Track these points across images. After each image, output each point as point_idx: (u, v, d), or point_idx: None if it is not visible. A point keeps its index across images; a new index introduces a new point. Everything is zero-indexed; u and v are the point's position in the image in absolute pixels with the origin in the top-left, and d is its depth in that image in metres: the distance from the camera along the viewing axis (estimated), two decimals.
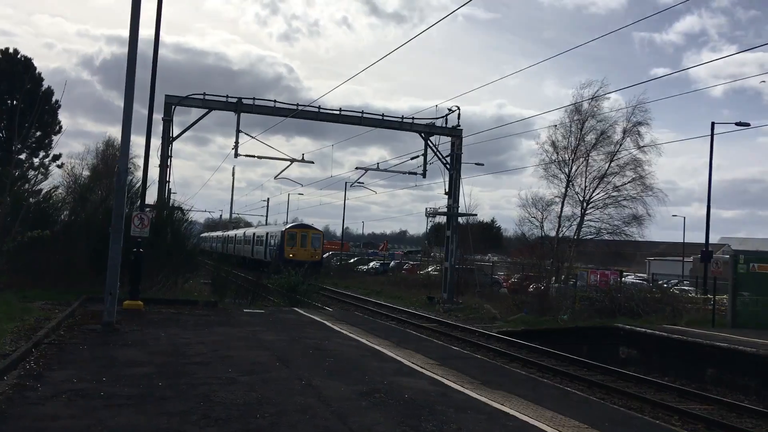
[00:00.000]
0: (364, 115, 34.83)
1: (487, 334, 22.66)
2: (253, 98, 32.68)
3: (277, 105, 33.25)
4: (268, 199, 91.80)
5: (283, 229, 50.58)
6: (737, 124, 32.12)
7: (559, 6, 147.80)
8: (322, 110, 34.05)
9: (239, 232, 70.48)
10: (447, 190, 36.30)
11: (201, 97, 31.68)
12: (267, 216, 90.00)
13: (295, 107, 33.10)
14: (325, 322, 17.34)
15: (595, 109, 40.69)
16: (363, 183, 49.84)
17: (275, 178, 53.80)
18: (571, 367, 17.17)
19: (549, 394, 9.98)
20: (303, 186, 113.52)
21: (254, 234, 61.17)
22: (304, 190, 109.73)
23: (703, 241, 35.22)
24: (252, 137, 33.35)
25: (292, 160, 36.44)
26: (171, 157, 30.39)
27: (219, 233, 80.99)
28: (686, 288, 36.93)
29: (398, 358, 12.06)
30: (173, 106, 30.91)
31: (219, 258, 54.99)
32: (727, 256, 34.20)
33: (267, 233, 54.94)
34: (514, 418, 7.98)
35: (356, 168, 44.91)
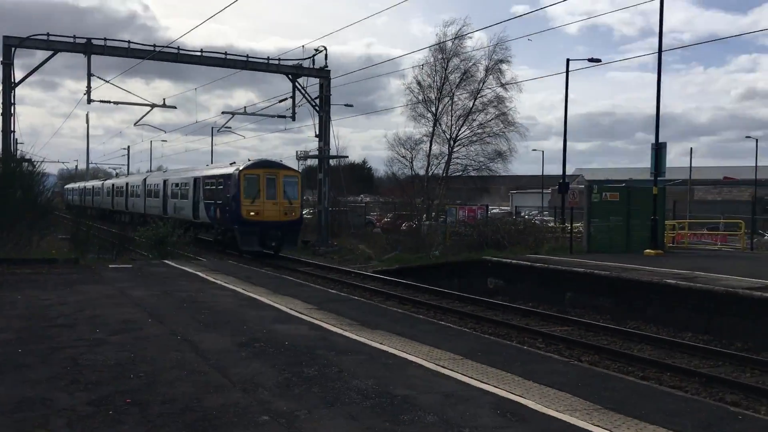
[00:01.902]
0: (228, 57, 33.38)
1: (364, 275, 23.03)
2: (105, 39, 30.32)
3: (132, 46, 31.08)
4: (129, 147, 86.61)
5: (239, 170, 28.23)
6: (590, 60, 33.85)
7: None
8: (182, 51, 32.23)
9: (134, 179, 47.80)
10: (317, 133, 35.90)
11: (45, 37, 28.99)
12: (128, 165, 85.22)
13: (152, 48, 31.11)
14: (198, 273, 16.87)
15: (459, 48, 41.52)
16: (230, 128, 47.95)
17: (135, 124, 44.88)
18: (444, 301, 17.86)
19: (425, 330, 10.32)
20: (166, 132, 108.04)
21: (166, 181, 37.62)
22: (167, 136, 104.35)
23: (560, 172, 37.40)
24: (106, 81, 31.07)
25: (153, 105, 34.42)
26: (14, 104, 28.01)
27: (95, 183, 61.66)
28: (546, 218, 39.29)
29: (276, 305, 11.98)
30: (13, 48, 28.18)
31: (101, 215, 44.45)
32: (582, 186, 36.63)
33: (199, 178, 32.21)
34: (394, 356, 8.19)
35: (222, 112, 43.10)
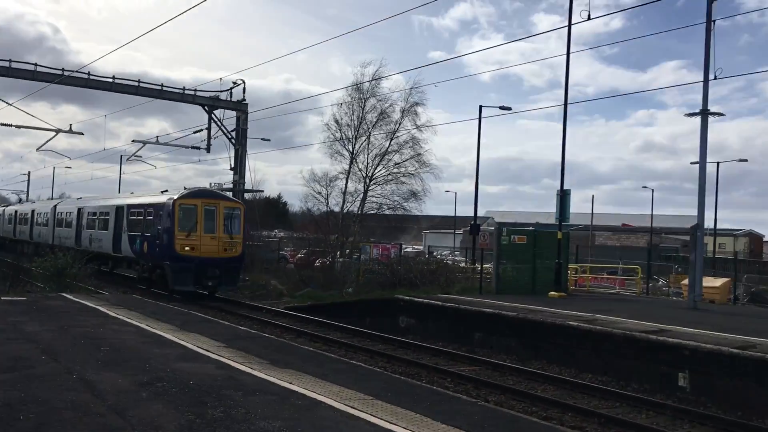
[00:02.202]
0: (141, 85, 32.72)
1: (275, 311, 22.67)
2: (9, 60, 29.11)
3: (39, 69, 29.96)
4: (29, 172, 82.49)
5: (173, 199, 24.76)
6: (501, 107, 35.18)
7: None
8: (93, 77, 31.31)
9: (42, 206, 42.87)
10: (232, 166, 35.49)
11: None
12: (28, 191, 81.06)
13: (60, 72, 30.07)
14: (99, 307, 16.11)
15: (376, 89, 42.28)
16: (141, 157, 46.74)
17: (38, 149, 41.43)
18: (355, 339, 17.79)
19: (336, 369, 10.23)
20: (71, 159, 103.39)
21: (81, 210, 33.77)
22: (72, 163, 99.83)
23: (473, 214, 38.32)
24: (9, 104, 29.75)
25: (58, 131, 33.27)
26: None
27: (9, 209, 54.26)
28: (458, 258, 40.06)
29: (182, 343, 11.58)
30: None
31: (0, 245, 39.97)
32: (492, 228, 37.65)
33: (122, 207, 28.56)
34: (303, 396, 8.06)
35: (133, 141, 41.88)
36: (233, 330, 14.24)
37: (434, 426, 7.10)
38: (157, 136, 37.52)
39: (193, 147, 36.14)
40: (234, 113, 35.23)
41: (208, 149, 35.11)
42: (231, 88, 34.37)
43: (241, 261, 26.12)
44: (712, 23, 18.21)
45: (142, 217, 26.44)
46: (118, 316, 14.62)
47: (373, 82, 41.87)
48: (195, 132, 35.90)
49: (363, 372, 10.43)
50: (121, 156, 55.91)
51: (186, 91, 33.83)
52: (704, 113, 18.81)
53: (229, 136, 34.79)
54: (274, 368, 9.75)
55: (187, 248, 24.02)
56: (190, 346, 11.32)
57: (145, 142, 38.05)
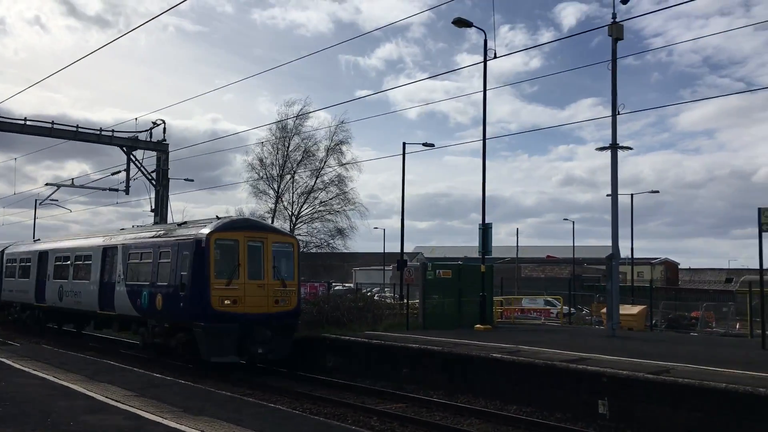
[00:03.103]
0: (56, 126, 31.51)
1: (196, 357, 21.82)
2: None
3: None
4: None
5: (207, 234, 17.89)
6: (424, 144, 35.81)
7: (271, 24, 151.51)
8: (3, 119, 30.02)
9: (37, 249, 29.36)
10: (153, 207, 34.50)
11: None
12: None
13: None
14: (4, 360, 15.16)
15: (300, 127, 42.29)
16: (57, 200, 45.02)
17: None
18: (278, 382, 17.31)
19: (254, 413, 9.89)
20: None
21: (44, 253, 27.41)
22: None
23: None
24: None
25: None
26: None
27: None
28: (386, 294, 40.01)
29: (90, 394, 10.98)
30: None
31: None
32: (418, 263, 37.83)
33: (115, 248, 21.96)
34: None
35: (47, 184, 40.25)
36: (148, 378, 13.62)
37: None
38: (73, 179, 36.24)
39: (111, 189, 35.05)
40: (155, 153, 34.40)
41: (126, 191, 34.05)
42: (151, 128, 33.60)
43: (296, 317, 19.33)
44: (616, 62, 19.11)
45: (151, 260, 19.47)
46: (24, 368, 13.81)
47: (298, 120, 41.88)
48: (113, 174, 34.86)
49: (282, 415, 10.12)
50: (36, 200, 53.66)
51: (103, 132, 32.81)
52: (613, 147, 19.60)
53: (150, 177, 33.87)
54: (187, 416, 9.33)
55: (227, 302, 17.17)
56: (98, 397, 10.74)
57: (59, 185, 36.63)
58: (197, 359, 17.69)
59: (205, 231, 17.78)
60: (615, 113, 19.22)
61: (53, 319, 27.49)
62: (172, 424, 8.75)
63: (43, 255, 27.52)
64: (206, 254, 17.33)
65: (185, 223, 20.67)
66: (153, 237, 20.39)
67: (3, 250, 32.56)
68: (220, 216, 19.63)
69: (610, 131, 19.50)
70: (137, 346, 21.62)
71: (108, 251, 22.38)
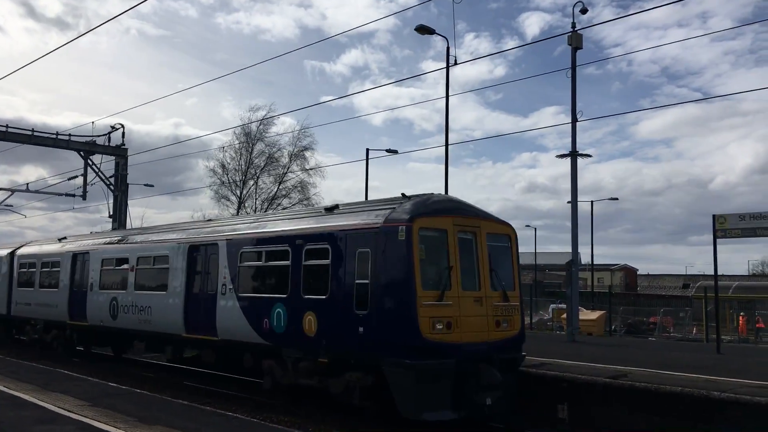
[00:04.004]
0: (10, 129, 30.81)
1: (157, 364, 21.37)
2: None
3: None
4: None
5: (407, 219, 11.54)
6: (387, 150, 35.87)
7: (236, 29, 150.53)
8: None
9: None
10: (111, 213, 33.88)
11: None
12: None
13: None
14: None
15: (264, 133, 42.03)
16: (12, 206, 43.90)
17: None
18: (236, 389, 17.01)
19: (211, 422, 9.71)
20: None
21: (80, 256, 21.47)
22: None
23: None
24: None
25: None
26: None
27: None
28: None
29: (42, 404, 10.65)
30: None
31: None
32: None
33: (224, 244, 15.48)
34: None
35: (0, 189, 39.23)
36: (102, 387, 13.28)
37: None
38: (27, 184, 35.37)
39: (67, 194, 34.35)
40: (113, 158, 33.82)
41: (84, 196, 33.45)
42: (110, 133, 33.08)
43: (521, 346, 13.26)
44: (575, 70, 19.43)
45: (290, 262, 13.50)
46: None
47: (262, 126, 41.57)
48: (70, 179, 34.15)
49: (239, 424, 9.94)
50: None
51: (60, 136, 32.16)
52: (573, 155, 19.88)
53: (107, 182, 33.30)
54: (142, 426, 9.11)
55: (439, 325, 11.34)
56: (50, 407, 10.42)
57: (13, 190, 35.75)
58: (388, 414, 11.74)
59: (403, 215, 11.77)
60: (575, 120, 19.51)
61: (90, 341, 21.96)
62: None
63: (79, 258, 21.33)
64: (408, 251, 11.34)
65: (335, 207, 14.06)
66: (289, 227, 14.03)
67: (13, 252, 26.26)
68: (406, 195, 12.89)
69: (571, 139, 19.79)
70: (252, 387, 15.70)
71: (200, 250, 16.22)
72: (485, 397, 11.54)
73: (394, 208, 12.25)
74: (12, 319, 25.47)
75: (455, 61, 21.34)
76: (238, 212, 41.48)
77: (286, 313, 13.26)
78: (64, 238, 24.69)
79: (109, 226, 34.31)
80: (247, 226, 15.66)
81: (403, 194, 12.98)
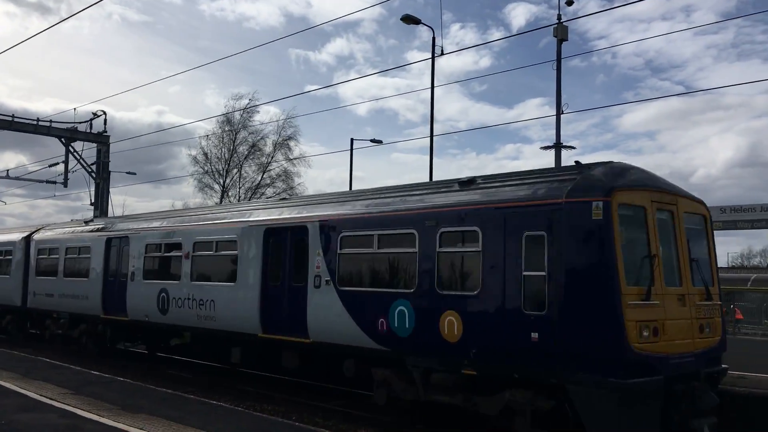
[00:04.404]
0: None
1: (140, 353, 21.23)
2: None
3: None
4: None
5: (601, 193, 8.93)
6: (372, 140, 35.80)
7: (220, 16, 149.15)
8: None
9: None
10: (93, 201, 33.57)
11: None
12: None
13: None
14: None
15: (247, 121, 41.82)
16: None
17: None
18: (219, 379, 16.97)
19: (194, 410, 9.72)
20: None
21: (135, 238, 17.88)
22: None
23: None
24: None
25: None
26: None
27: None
28: None
29: (23, 392, 10.60)
30: None
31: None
32: None
33: (326, 223, 12.66)
34: None
35: None
36: (84, 376, 13.22)
37: None
38: (7, 170, 34.96)
39: (48, 181, 33.99)
40: (95, 145, 33.47)
41: (65, 183, 33.08)
42: (91, 119, 32.70)
43: (722, 354, 10.55)
44: (560, 62, 19.55)
45: (416, 248, 11.02)
46: None
47: (245, 114, 41.34)
48: (51, 165, 33.78)
49: (223, 412, 9.96)
50: None
51: (40, 122, 31.74)
52: (557, 146, 20.02)
53: (89, 170, 32.96)
54: (125, 414, 9.10)
55: (646, 333, 8.95)
56: (32, 395, 10.37)
57: None
58: None
59: (595, 187, 9.25)
60: (559, 112, 19.65)
61: (127, 338, 19.78)
62: (110, 422, 8.52)
63: (115, 242, 18.58)
64: (607, 234, 8.90)
65: (473, 180, 11.40)
66: (413, 206, 11.46)
67: (29, 236, 23.20)
68: (583, 163, 10.50)
69: (555, 131, 19.92)
70: (360, 401, 13.19)
71: (280, 234, 13.65)
72: (703, 424, 9.11)
73: (574, 178, 9.55)
74: (27, 311, 22.67)
75: (441, 51, 21.36)
76: (221, 201, 41.31)
77: (412, 313, 10.80)
78: (91, 220, 22.48)
79: (91, 213, 34.01)
80: (345, 206, 12.82)
81: (577, 162, 10.64)
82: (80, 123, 32.58)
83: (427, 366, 10.56)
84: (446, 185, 11.82)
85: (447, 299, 10.29)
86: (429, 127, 23.70)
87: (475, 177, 11.48)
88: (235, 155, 41.70)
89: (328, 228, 12.50)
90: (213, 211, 17.15)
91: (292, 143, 42.47)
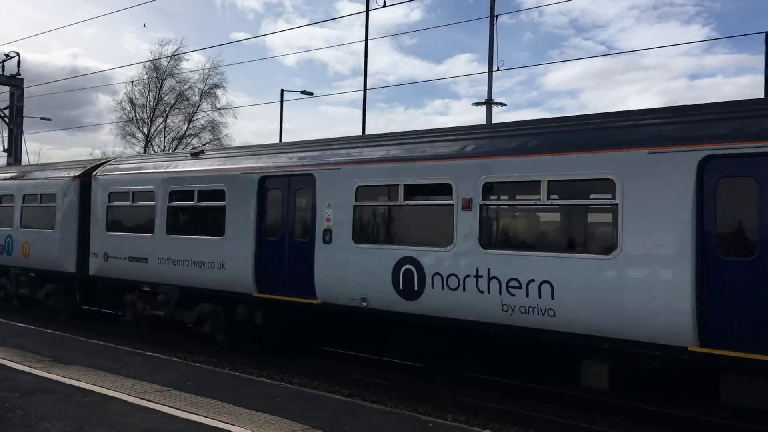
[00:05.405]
0: None
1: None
2: None
3: None
4: None
5: None
6: (303, 92, 35.35)
7: None
8: None
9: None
10: (6, 148, 31.89)
11: None
12: None
13: None
14: None
15: (174, 69, 40.39)
16: None
17: None
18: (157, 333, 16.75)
19: (130, 362, 9.66)
20: None
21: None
22: None
23: None
24: None
25: None
26: None
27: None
28: None
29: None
30: None
31: None
32: None
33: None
34: (92, 393, 7.50)
35: None
36: (9, 327, 12.83)
37: (237, 411, 6.96)
38: None
39: None
40: (7, 89, 31.62)
41: None
42: (3, 61, 30.80)
43: None
44: (495, 18, 19.74)
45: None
46: None
47: (172, 61, 39.89)
48: None
49: (160, 363, 9.93)
50: None
51: None
52: (489, 103, 20.37)
53: (2, 115, 31.21)
54: (58, 366, 8.96)
55: None
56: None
57: None
58: None
59: None
60: (491, 69, 19.92)
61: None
62: (43, 374, 8.38)
63: (270, 183, 12.00)
64: None
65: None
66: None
67: (88, 173, 16.19)
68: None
69: (482, 88, 20.25)
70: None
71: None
72: None
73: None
74: (87, 281, 15.96)
75: (384, 3, 20.69)
76: (145, 150, 40.00)
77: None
78: (201, 152, 15.05)
79: (3, 161, 32.37)
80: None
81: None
82: None
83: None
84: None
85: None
86: (358, 80, 23.56)
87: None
88: (161, 104, 40.34)
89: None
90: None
91: (219, 92, 41.43)
